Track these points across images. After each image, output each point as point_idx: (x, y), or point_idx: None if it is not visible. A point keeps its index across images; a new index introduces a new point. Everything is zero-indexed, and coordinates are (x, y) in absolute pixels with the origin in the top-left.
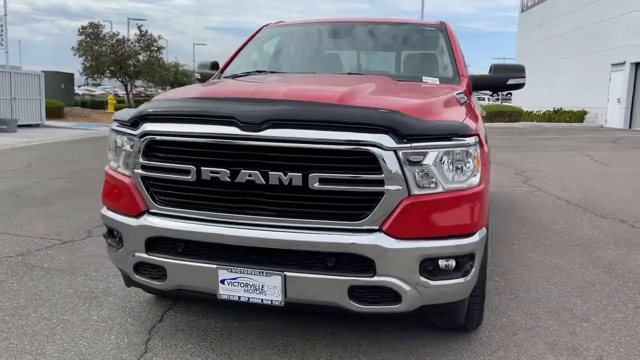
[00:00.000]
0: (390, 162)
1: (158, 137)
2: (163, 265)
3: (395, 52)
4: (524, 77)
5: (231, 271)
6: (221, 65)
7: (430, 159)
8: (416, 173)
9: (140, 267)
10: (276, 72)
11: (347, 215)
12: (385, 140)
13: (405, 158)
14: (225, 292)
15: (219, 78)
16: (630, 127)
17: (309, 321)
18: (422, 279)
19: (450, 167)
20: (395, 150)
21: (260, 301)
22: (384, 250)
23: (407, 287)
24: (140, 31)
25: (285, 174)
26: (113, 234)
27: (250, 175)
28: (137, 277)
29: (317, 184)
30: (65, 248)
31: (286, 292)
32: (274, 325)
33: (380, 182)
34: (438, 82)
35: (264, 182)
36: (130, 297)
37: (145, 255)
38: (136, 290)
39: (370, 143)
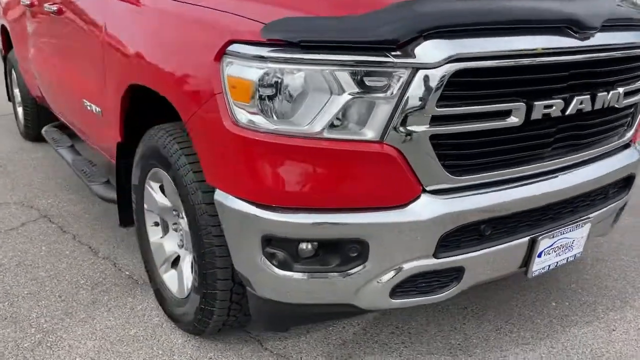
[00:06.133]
0: None
1: (469, 65)
2: (462, 265)
3: None
4: None
5: (552, 237)
6: None
7: None
8: None
9: (406, 284)
10: None
11: None
12: None
13: None
14: (539, 266)
15: None
16: None
17: None
18: None
19: None
20: None
21: (565, 261)
22: None
23: None
24: None
25: (609, 93)
26: (321, 252)
27: (582, 102)
28: (397, 301)
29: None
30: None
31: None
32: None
33: None
34: None
35: (590, 108)
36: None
37: (431, 262)
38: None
39: None
